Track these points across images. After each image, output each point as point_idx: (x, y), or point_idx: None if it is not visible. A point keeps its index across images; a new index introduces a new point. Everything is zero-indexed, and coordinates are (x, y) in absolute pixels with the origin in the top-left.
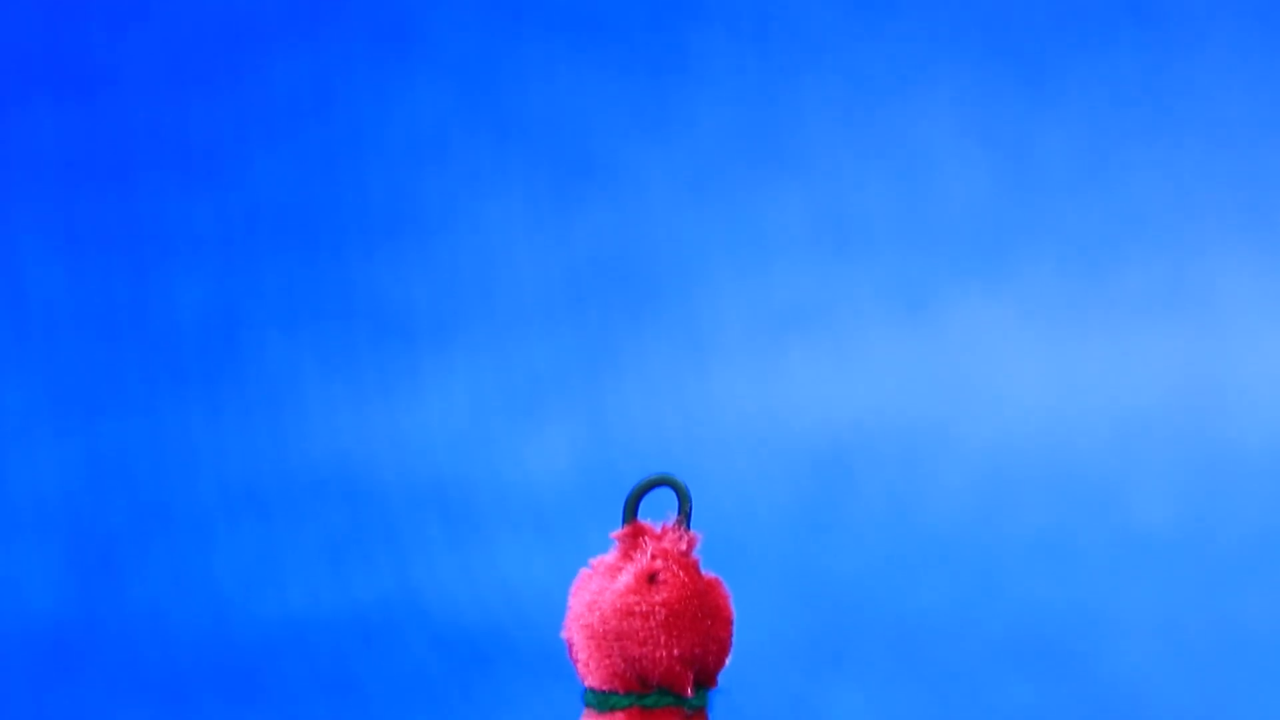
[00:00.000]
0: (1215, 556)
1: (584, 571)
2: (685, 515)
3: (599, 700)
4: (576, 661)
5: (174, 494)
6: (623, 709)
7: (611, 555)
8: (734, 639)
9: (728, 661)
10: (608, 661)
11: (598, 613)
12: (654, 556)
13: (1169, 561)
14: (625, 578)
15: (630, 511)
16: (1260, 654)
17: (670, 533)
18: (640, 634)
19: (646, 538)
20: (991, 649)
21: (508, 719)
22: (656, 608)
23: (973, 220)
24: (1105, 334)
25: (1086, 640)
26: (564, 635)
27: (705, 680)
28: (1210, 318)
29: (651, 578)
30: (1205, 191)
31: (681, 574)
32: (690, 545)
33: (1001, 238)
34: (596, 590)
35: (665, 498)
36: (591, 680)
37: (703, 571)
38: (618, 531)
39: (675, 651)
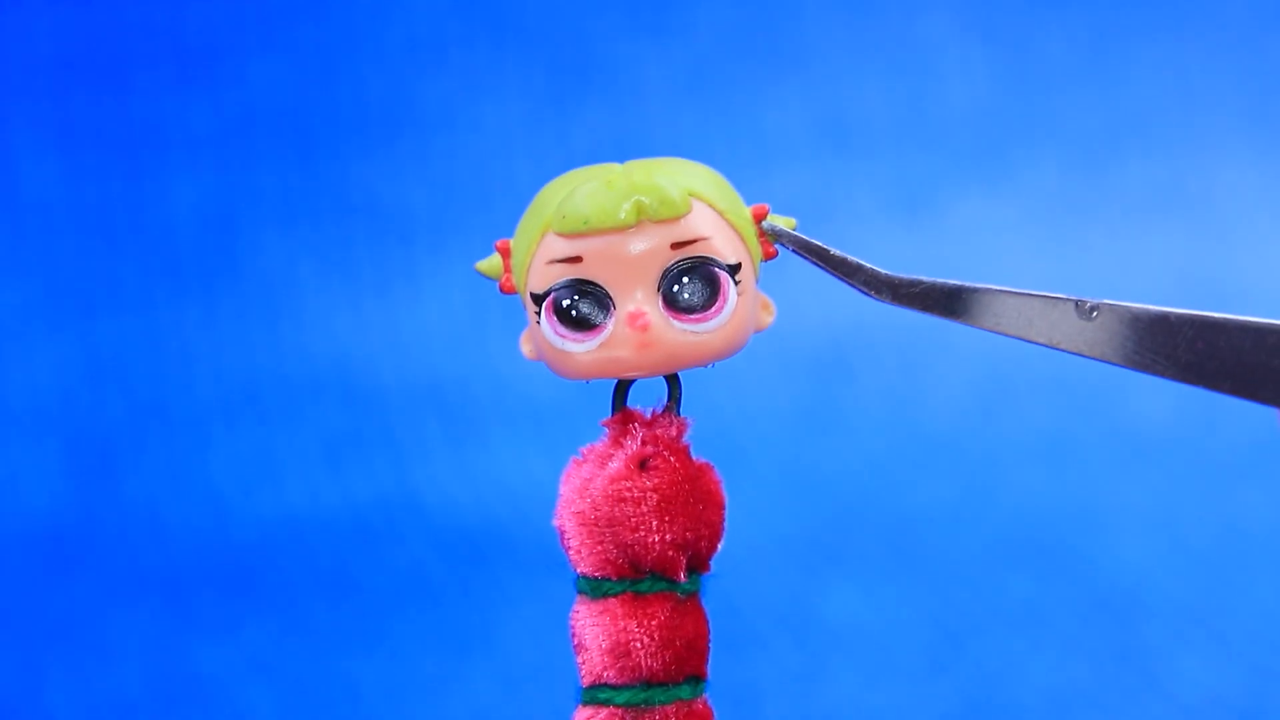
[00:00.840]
0: (1213, 454)
1: (574, 459)
2: (675, 401)
3: (591, 587)
4: (568, 549)
5: (170, 393)
6: (615, 595)
7: (602, 443)
8: (727, 526)
9: (720, 546)
10: (599, 548)
11: (589, 499)
12: (644, 442)
13: (1167, 459)
14: (616, 464)
15: (620, 399)
16: (1258, 550)
17: (660, 419)
18: (632, 520)
19: (637, 424)
20: (990, 545)
21: (505, 613)
22: (648, 493)
23: (973, 119)
24: (1106, 232)
25: (1085, 536)
26: (555, 523)
27: (698, 565)
28: (1212, 215)
29: (642, 463)
30: (1208, 89)
31: (673, 459)
32: (680, 431)
33: (1002, 136)
34: (587, 477)
35: (656, 386)
36: (584, 567)
37: (693, 457)
38: (607, 419)
39: (667, 536)
